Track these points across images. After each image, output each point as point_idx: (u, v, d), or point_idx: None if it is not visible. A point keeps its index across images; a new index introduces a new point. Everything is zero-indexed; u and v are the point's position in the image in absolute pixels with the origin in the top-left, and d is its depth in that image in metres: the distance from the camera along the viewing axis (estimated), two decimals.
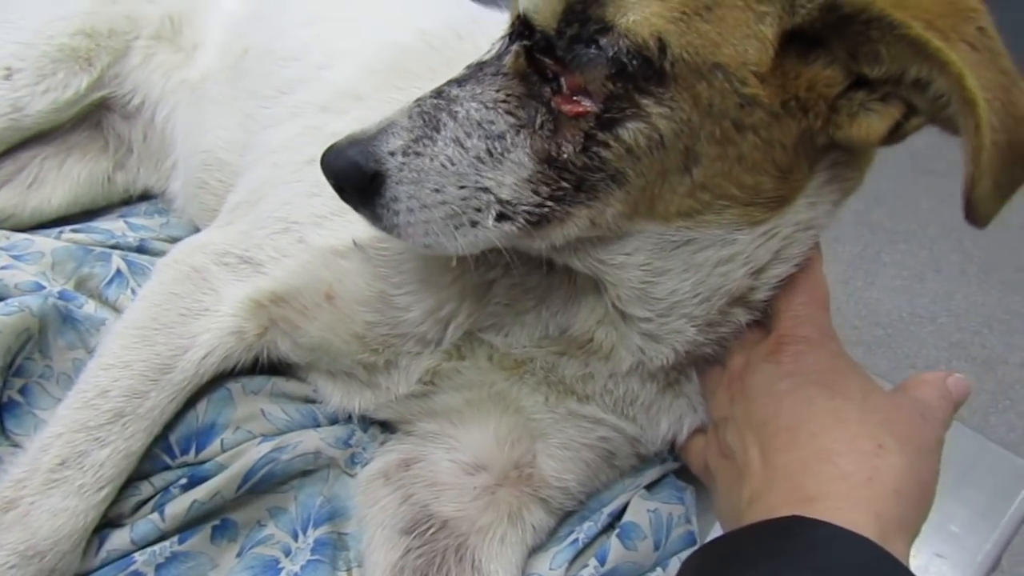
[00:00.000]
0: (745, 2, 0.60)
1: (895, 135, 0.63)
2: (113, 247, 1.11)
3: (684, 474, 0.91)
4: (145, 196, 1.27)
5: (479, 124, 0.65)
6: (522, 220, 0.66)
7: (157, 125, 1.19)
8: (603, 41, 0.60)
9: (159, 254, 1.13)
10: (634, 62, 0.60)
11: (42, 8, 1.18)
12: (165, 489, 0.81)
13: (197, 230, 1.15)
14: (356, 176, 0.66)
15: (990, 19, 0.57)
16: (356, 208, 0.68)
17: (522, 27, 0.66)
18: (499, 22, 0.97)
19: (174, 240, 1.17)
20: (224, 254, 0.88)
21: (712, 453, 0.80)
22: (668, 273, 0.71)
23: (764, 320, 0.78)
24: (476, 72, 0.68)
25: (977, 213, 0.57)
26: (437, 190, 0.66)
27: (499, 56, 0.68)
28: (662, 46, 0.60)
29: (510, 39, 0.68)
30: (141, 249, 1.13)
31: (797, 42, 0.62)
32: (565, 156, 0.64)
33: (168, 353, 0.82)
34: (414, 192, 0.66)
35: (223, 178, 1.06)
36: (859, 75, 0.62)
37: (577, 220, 0.67)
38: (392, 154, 0.66)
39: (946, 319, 3.02)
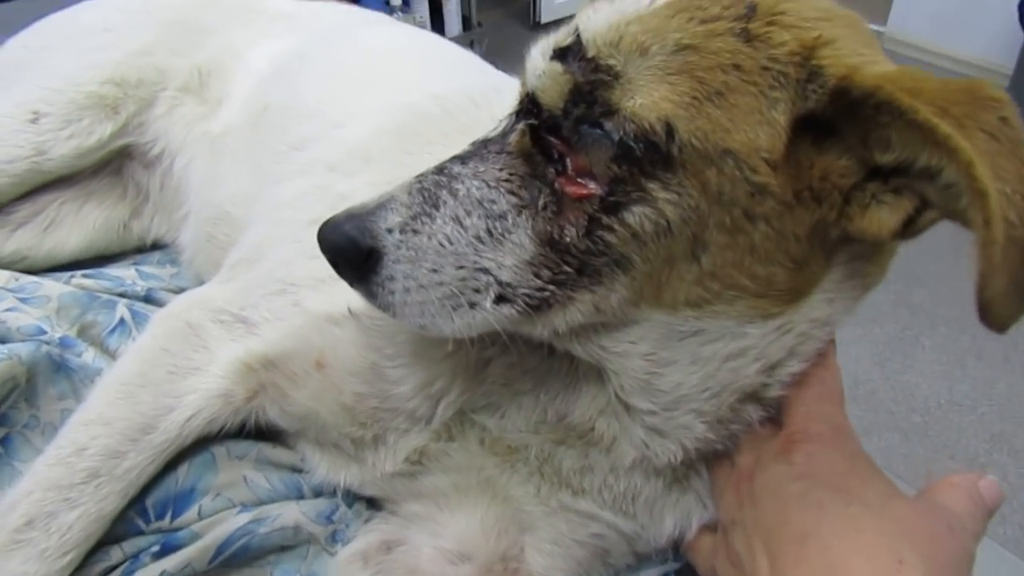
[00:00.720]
0: (757, 87, 0.58)
1: (909, 230, 0.59)
2: (120, 295, 1.10)
3: (686, 573, 0.85)
4: (157, 245, 1.27)
5: (480, 203, 0.63)
6: (522, 303, 0.63)
7: (175, 175, 1.19)
8: (608, 124, 0.58)
9: (165, 305, 1.12)
10: (640, 146, 0.58)
11: (75, 56, 1.20)
12: (135, 556, 0.77)
13: (203, 283, 1.14)
14: (351, 252, 0.64)
15: (1015, 110, 0.53)
16: (351, 284, 0.66)
17: (530, 105, 0.65)
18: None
19: (182, 291, 1.16)
20: (220, 311, 0.86)
21: (720, 558, 0.74)
22: (674, 364, 0.67)
23: (775, 415, 0.73)
24: (480, 149, 0.66)
25: (992, 315, 0.52)
26: (434, 270, 0.63)
27: (504, 134, 0.66)
28: (670, 131, 0.57)
29: (517, 117, 0.66)
30: (148, 299, 1.12)
31: (811, 130, 0.59)
32: (568, 239, 0.61)
33: (152, 412, 0.79)
34: (410, 271, 0.63)
35: (230, 232, 1.05)
36: (873, 166, 0.59)
37: (580, 305, 0.64)
38: (389, 231, 0.64)
39: (987, 408, 2.89)
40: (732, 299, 0.63)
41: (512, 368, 0.76)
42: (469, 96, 0.94)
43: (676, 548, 0.84)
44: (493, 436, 0.78)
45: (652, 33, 0.59)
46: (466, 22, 4.18)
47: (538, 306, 0.64)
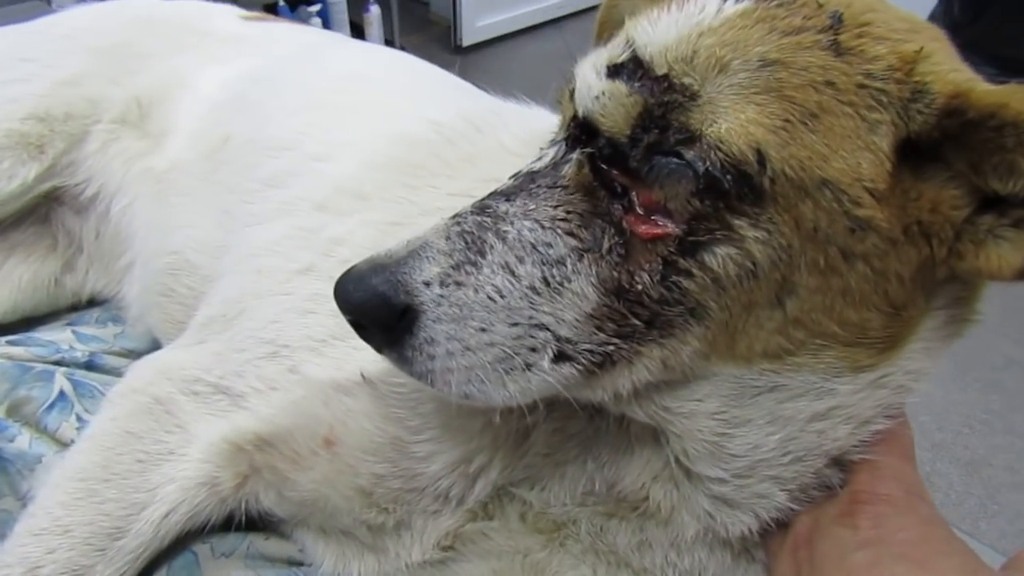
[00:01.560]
0: (854, 108, 0.51)
1: None
2: (57, 363, 0.95)
3: None
4: (95, 301, 1.11)
5: (533, 247, 0.53)
6: (584, 361, 0.54)
7: (112, 219, 1.04)
8: (689, 153, 0.50)
9: (112, 372, 0.97)
10: (728, 177, 0.50)
11: None
12: None
13: (156, 343, 0.99)
14: (382, 311, 0.53)
15: None
16: (379, 350, 0.55)
17: (579, 131, 0.56)
18: (522, 115, 0.87)
19: (131, 353, 1.02)
20: (194, 381, 0.74)
21: None
22: (748, 424, 0.58)
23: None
24: (527, 184, 0.56)
25: None
26: (483, 329, 0.53)
27: (555, 165, 0.56)
28: (761, 159, 0.50)
29: (567, 145, 0.56)
30: (90, 365, 0.97)
31: (911, 156, 0.52)
32: (639, 287, 0.53)
33: (120, 512, 0.67)
34: (455, 331, 0.53)
35: (193, 284, 0.91)
36: (986, 194, 0.52)
37: (648, 362, 0.55)
38: (427, 284, 0.53)
39: (927, 418, 2.94)
40: (818, 349, 0.55)
41: (556, 434, 0.66)
42: (469, 121, 0.84)
43: None
44: (536, 511, 0.68)
45: (731, 47, 0.51)
46: (388, 45, 4.08)
47: (601, 363, 0.55)
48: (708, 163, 0.50)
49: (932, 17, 3.66)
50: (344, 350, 0.69)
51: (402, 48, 4.10)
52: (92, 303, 1.11)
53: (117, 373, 0.97)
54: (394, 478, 0.66)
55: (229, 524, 0.73)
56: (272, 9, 3.63)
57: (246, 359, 0.72)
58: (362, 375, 0.66)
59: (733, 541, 0.66)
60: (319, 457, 0.67)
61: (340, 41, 1.19)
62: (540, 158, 0.58)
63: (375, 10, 3.84)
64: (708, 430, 0.58)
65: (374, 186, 0.80)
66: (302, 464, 0.68)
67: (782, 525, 0.65)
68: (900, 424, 0.62)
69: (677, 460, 0.61)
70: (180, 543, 0.70)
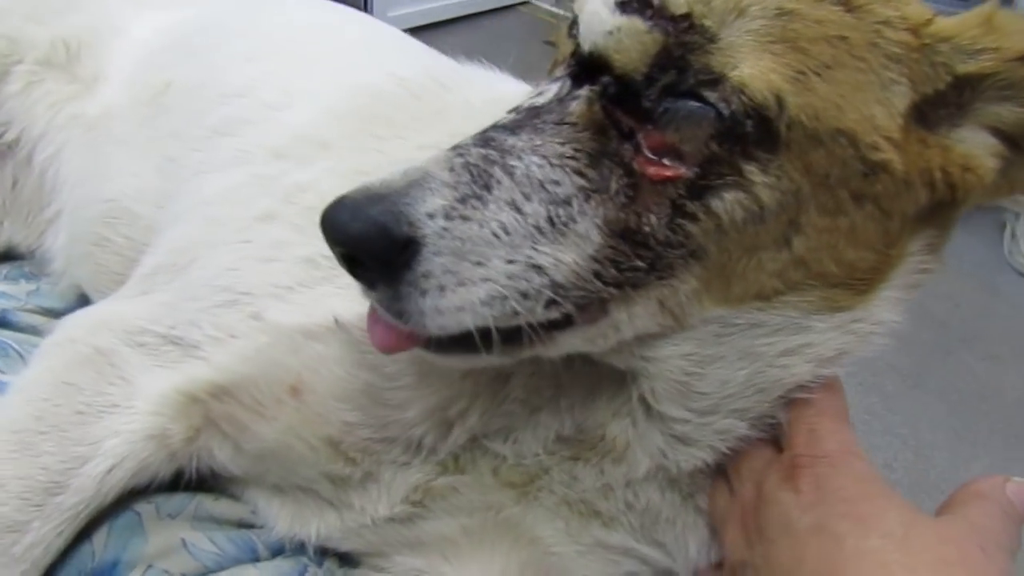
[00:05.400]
0: (867, 64, 0.52)
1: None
2: None
3: None
4: (7, 256, 1.02)
5: (541, 184, 0.51)
6: (571, 305, 0.52)
7: (35, 167, 0.97)
8: (712, 95, 0.50)
9: (27, 330, 0.90)
10: (749, 121, 0.50)
11: None
12: None
13: (80, 302, 0.92)
14: (382, 243, 0.49)
15: None
16: (374, 286, 0.51)
17: (583, 68, 0.54)
18: (485, 76, 0.86)
19: (47, 312, 0.94)
20: (140, 332, 0.69)
21: None
22: (720, 361, 0.58)
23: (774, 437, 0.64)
24: (531, 119, 0.54)
25: None
26: (479, 263, 0.50)
27: (560, 101, 0.54)
28: (781, 105, 0.50)
29: (573, 81, 0.55)
30: (2, 323, 0.89)
31: (924, 108, 0.55)
32: (646, 229, 0.51)
33: (59, 466, 0.62)
34: (452, 265, 0.49)
35: (131, 234, 0.85)
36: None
37: (645, 303, 0.54)
38: (431, 216, 0.49)
39: None
40: (808, 288, 0.56)
41: (533, 378, 0.64)
42: (434, 78, 0.82)
43: None
44: (508, 464, 0.66)
45: None
46: None
47: (587, 306, 0.53)
48: (732, 106, 0.49)
49: None
50: (311, 297, 0.66)
51: None
52: (3, 258, 1.02)
53: (33, 331, 0.89)
54: (365, 427, 0.64)
55: (176, 484, 0.68)
56: None
57: (200, 307, 0.68)
58: (336, 321, 0.63)
59: (681, 481, 0.66)
60: (284, 405, 0.64)
61: None
62: (541, 94, 0.56)
63: None
64: (679, 370, 0.58)
65: (337, 135, 0.77)
66: (265, 413, 0.64)
67: (721, 483, 0.66)
68: (834, 391, 0.63)
69: (641, 398, 0.61)
70: (120, 504, 0.65)
